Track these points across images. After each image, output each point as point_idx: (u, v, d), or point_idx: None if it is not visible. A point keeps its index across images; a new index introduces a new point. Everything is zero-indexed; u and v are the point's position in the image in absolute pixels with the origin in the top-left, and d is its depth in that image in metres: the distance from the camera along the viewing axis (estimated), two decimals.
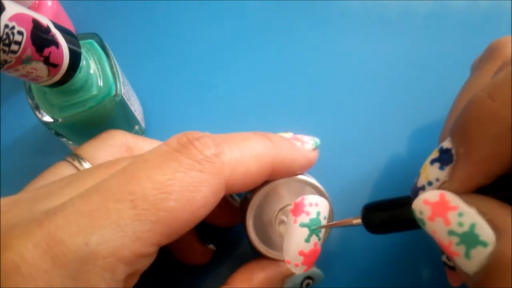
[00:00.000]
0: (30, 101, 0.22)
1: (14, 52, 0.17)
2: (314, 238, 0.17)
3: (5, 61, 0.17)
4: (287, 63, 0.31)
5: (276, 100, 0.30)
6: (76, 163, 0.20)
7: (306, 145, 0.20)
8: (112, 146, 0.21)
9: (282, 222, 0.19)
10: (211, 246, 0.25)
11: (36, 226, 0.13)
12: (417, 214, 0.14)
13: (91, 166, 0.20)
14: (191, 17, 0.33)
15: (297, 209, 0.18)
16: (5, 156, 0.29)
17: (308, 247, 0.17)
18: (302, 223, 0.17)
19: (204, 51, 0.32)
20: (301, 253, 0.17)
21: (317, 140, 0.21)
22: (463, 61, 0.30)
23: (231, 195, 0.25)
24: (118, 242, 0.13)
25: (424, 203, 0.14)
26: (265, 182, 0.19)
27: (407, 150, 0.28)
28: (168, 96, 0.30)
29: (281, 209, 0.19)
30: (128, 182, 0.14)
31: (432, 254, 0.26)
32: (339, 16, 0.33)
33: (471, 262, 0.13)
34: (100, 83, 0.22)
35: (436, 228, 0.14)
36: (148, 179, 0.14)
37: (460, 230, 0.13)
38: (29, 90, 0.22)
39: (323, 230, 0.18)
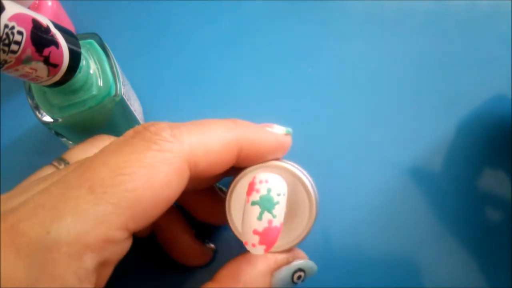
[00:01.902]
0: (30, 101, 0.22)
1: (14, 52, 0.17)
2: (267, 216, 0.17)
3: (5, 61, 0.17)
4: (287, 62, 0.31)
5: (276, 99, 0.30)
6: (61, 167, 0.20)
7: (276, 129, 0.20)
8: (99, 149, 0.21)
9: None
10: (211, 245, 0.25)
11: (2, 221, 0.13)
12: None
13: None
14: (192, 18, 0.33)
15: (249, 189, 0.17)
16: (5, 156, 0.29)
17: (261, 226, 0.17)
18: (253, 201, 0.17)
19: (204, 52, 0.32)
20: (255, 232, 0.17)
21: (290, 129, 0.21)
22: (463, 61, 0.30)
23: (222, 190, 0.24)
24: (80, 228, 0.13)
25: None
26: (239, 171, 0.19)
27: (407, 149, 0.28)
28: (168, 96, 0.30)
29: None
30: (84, 171, 0.14)
31: (430, 249, 0.26)
32: (339, 16, 0.33)
33: None
34: (100, 83, 0.22)
35: None
36: (104, 164, 0.14)
37: None
38: (29, 90, 0.22)
39: (279, 207, 0.17)
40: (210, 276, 0.23)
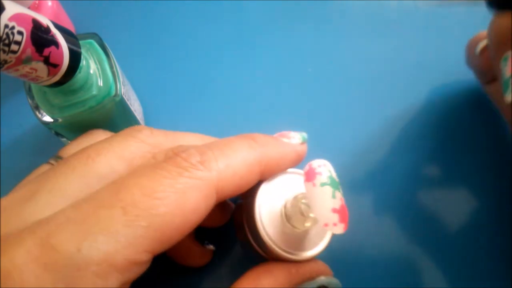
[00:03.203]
0: (30, 101, 0.22)
1: (14, 52, 0.17)
2: (338, 194, 0.17)
3: (5, 61, 0.17)
4: (287, 62, 0.31)
5: (276, 99, 0.30)
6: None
7: (293, 139, 0.20)
8: None
9: (290, 216, 0.19)
10: (210, 246, 0.25)
11: (28, 233, 0.14)
12: None
13: None
14: (192, 18, 0.33)
15: (310, 174, 0.17)
16: (5, 156, 0.29)
17: (337, 203, 0.17)
18: (322, 183, 0.17)
19: (205, 52, 0.32)
20: (334, 211, 0.17)
21: (304, 134, 0.21)
22: (463, 61, 0.30)
23: None
24: (110, 248, 0.13)
25: None
26: (260, 183, 0.19)
27: (408, 148, 0.28)
28: (168, 96, 0.30)
29: (285, 205, 0.19)
30: (118, 191, 0.15)
31: (441, 257, 0.26)
32: (339, 16, 0.33)
33: None
34: (100, 83, 0.22)
35: None
36: (137, 186, 0.15)
37: None
38: (29, 90, 0.22)
39: (341, 189, 0.18)
40: (210, 277, 0.23)
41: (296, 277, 0.19)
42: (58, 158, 0.20)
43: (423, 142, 0.28)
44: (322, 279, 0.19)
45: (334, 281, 0.19)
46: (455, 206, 0.27)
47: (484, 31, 0.26)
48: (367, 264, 0.25)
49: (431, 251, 0.26)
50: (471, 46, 0.27)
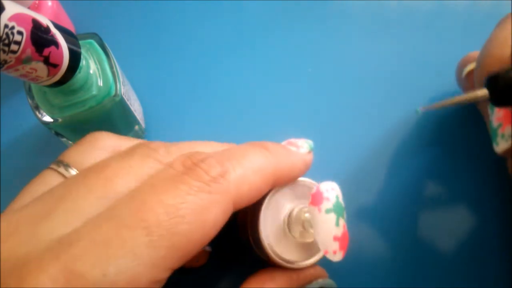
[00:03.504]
0: (30, 101, 0.22)
1: (14, 52, 0.17)
2: (341, 221, 0.17)
3: (5, 61, 0.17)
4: (287, 62, 0.31)
5: (276, 99, 0.30)
6: (62, 170, 0.19)
7: (302, 149, 0.20)
8: (100, 149, 0.20)
9: (292, 227, 0.19)
10: (207, 248, 0.25)
11: (51, 257, 0.13)
12: None
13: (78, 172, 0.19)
14: (192, 17, 0.33)
15: (317, 199, 0.17)
16: (5, 156, 0.29)
17: (340, 231, 0.17)
18: (327, 209, 0.17)
19: (205, 52, 0.32)
20: (335, 239, 0.17)
21: (311, 142, 0.21)
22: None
23: None
24: (135, 271, 0.13)
25: None
26: (268, 192, 0.19)
27: (408, 147, 0.28)
28: (168, 96, 0.30)
29: (289, 215, 0.19)
30: (139, 209, 0.14)
31: (440, 259, 0.26)
32: (339, 16, 0.33)
33: None
34: (100, 83, 0.22)
35: None
36: (160, 204, 0.14)
37: None
38: (29, 90, 0.22)
39: (345, 214, 0.18)
40: (206, 278, 0.23)
41: (297, 282, 0.19)
42: (60, 162, 0.20)
43: (424, 143, 0.28)
44: (319, 282, 0.20)
45: (330, 281, 0.20)
46: (454, 212, 0.27)
47: (474, 52, 0.26)
48: (367, 266, 0.25)
49: (431, 255, 0.26)
50: (460, 66, 0.27)
